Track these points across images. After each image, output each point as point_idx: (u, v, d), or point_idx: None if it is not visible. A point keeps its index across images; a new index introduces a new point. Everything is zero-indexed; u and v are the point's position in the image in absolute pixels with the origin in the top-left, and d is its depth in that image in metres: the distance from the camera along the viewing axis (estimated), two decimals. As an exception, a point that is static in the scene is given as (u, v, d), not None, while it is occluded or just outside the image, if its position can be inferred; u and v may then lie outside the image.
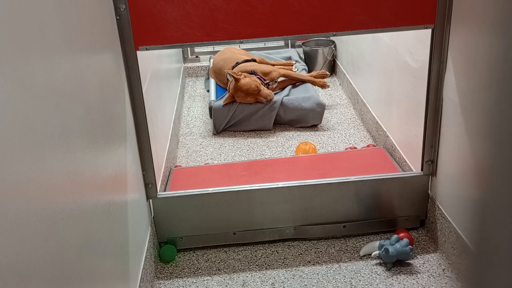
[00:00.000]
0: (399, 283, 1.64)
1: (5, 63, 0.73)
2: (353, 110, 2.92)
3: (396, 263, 1.70)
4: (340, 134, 2.67)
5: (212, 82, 3.07)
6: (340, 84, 3.30)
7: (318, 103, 2.71)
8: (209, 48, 3.69)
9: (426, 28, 1.60)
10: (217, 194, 1.80)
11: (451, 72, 1.58)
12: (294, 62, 3.25)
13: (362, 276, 1.67)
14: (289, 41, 3.77)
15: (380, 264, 1.72)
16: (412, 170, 1.96)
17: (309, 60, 3.46)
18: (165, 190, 2.02)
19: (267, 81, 2.83)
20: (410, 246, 1.68)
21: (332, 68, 3.46)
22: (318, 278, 1.68)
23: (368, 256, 1.76)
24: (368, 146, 2.44)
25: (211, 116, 2.77)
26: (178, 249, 1.84)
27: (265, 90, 2.71)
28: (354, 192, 1.82)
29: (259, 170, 2.16)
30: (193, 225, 1.82)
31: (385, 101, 2.36)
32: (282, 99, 2.74)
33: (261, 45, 3.73)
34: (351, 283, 1.65)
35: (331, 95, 3.16)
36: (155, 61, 2.23)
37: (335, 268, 1.72)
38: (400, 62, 2.08)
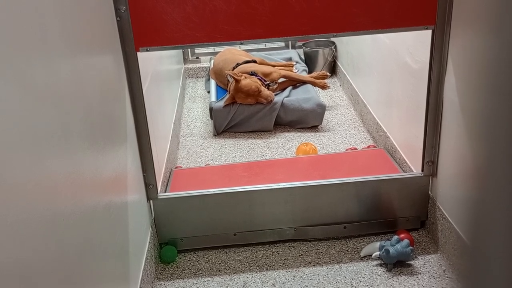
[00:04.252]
0: (399, 284, 1.63)
1: (5, 64, 0.73)
2: (353, 111, 2.92)
3: (397, 264, 1.70)
4: (340, 135, 2.67)
5: (213, 83, 3.08)
6: (340, 85, 3.30)
7: (318, 104, 2.71)
8: (210, 49, 3.68)
9: (427, 29, 1.60)
10: (218, 195, 1.80)
11: (451, 73, 1.58)
12: (294, 63, 3.25)
13: (363, 277, 1.67)
14: (290, 42, 3.77)
15: (380, 265, 1.72)
16: (412, 171, 1.96)
17: (310, 61, 3.46)
18: (165, 191, 2.02)
19: (268, 82, 2.83)
20: (410, 247, 1.68)
21: (333, 69, 3.46)
22: (319, 279, 1.68)
23: (368, 257, 1.76)
24: (368, 147, 2.44)
25: (211, 117, 2.77)
26: (179, 250, 1.84)
27: (265, 91, 2.71)
28: (354, 193, 1.82)
29: (259, 171, 2.16)
30: (194, 226, 1.82)
31: (386, 102, 2.36)
32: (283, 100, 2.74)
33: (261, 46, 3.74)
34: (351, 284, 1.65)
35: (331, 96, 3.16)
36: (156, 62, 2.23)
37: (336, 269, 1.72)
38: (400, 63, 2.08)
